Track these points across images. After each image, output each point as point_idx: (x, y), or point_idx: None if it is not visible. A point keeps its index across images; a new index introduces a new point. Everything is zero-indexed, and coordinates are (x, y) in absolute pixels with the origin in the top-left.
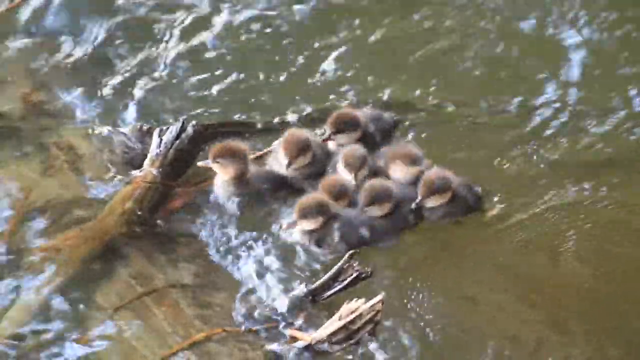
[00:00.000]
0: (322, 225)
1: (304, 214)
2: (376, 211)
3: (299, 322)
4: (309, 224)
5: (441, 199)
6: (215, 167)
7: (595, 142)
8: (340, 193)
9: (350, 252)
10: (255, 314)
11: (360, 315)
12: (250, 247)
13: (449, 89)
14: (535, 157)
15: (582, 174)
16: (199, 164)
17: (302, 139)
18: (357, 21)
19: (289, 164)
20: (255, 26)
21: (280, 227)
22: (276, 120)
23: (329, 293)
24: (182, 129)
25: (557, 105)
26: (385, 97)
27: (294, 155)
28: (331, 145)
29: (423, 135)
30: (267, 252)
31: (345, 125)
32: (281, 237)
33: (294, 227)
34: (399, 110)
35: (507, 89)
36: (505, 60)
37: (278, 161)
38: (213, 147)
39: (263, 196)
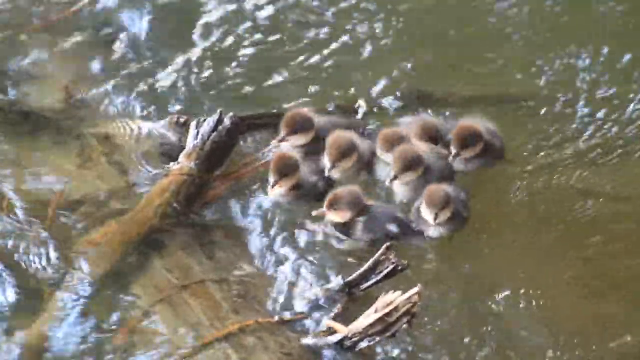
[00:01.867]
0: (351, 219)
1: (333, 206)
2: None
3: (335, 313)
4: (337, 217)
5: None
6: (280, 184)
7: None
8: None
9: (387, 244)
10: (292, 305)
11: (396, 308)
12: (286, 239)
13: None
14: None
15: None
16: (270, 195)
17: (347, 140)
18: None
19: (332, 167)
20: (284, 19)
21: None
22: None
23: (365, 285)
24: (219, 120)
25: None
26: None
27: (338, 158)
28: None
29: None
30: (304, 244)
31: (298, 126)
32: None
33: (323, 216)
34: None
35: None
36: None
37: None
38: (273, 166)
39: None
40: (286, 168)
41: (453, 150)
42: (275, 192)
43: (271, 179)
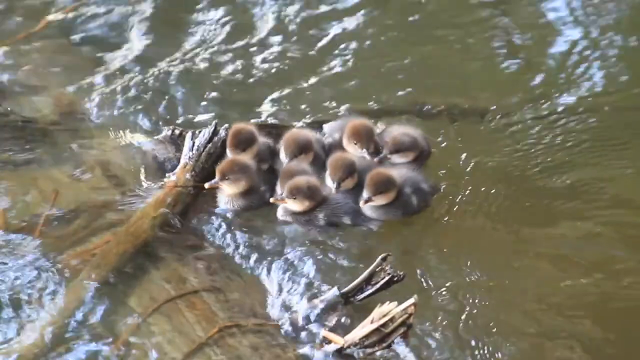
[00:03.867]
0: (309, 210)
1: (293, 194)
2: (381, 200)
3: (332, 324)
4: (296, 206)
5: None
6: (224, 184)
7: None
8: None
9: (383, 255)
10: (288, 316)
11: (392, 319)
12: (283, 250)
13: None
14: None
15: None
16: (206, 185)
17: (303, 138)
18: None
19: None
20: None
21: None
22: (308, 121)
23: (361, 296)
24: (215, 132)
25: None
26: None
27: (296, 155)
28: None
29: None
30: (300, 255)
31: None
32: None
33: (281, 203)
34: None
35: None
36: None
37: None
38: (219, 165)
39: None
40: (233, 172)
41: (365, 195)
42: (224, 194)
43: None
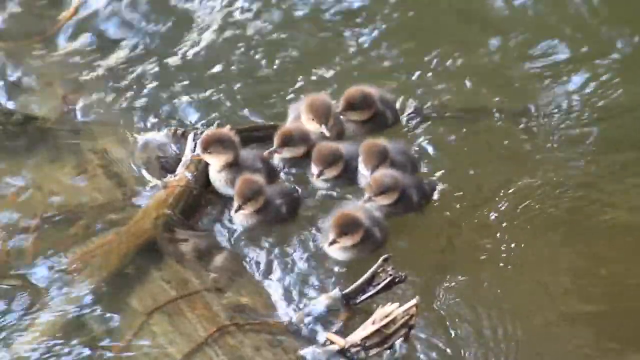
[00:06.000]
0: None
1: (287, 143)
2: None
3: (333, 325)
4: (292, 153)
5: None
6: (207, 157)
7: None
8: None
9: (385, 256)
10: (289, 317)
11: (394, 320)
12: (283, 252)
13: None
14: None
15: None
16: (192, 156)
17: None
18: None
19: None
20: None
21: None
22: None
23: (363, 297)
24: None
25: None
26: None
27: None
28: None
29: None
30: (301, 256)
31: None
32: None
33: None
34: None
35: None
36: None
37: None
38: (202, 138)
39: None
40: (251, 192)
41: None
42: (239, 216)
43: (235, 203)
